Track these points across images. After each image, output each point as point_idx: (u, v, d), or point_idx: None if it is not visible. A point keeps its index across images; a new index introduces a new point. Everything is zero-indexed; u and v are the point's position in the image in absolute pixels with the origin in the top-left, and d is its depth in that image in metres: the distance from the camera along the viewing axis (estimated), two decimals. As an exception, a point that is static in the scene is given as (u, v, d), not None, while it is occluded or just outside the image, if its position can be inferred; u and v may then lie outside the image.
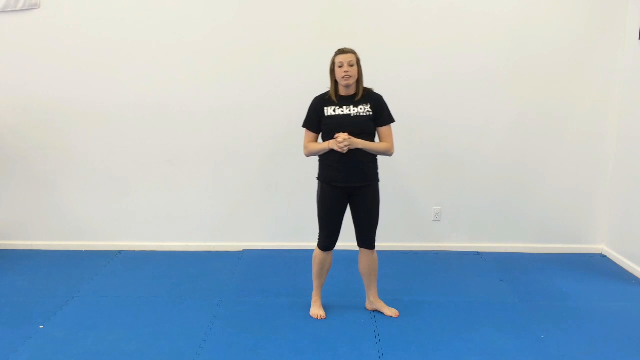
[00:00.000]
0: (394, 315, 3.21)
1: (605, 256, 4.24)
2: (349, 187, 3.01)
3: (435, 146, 4.14)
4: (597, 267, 4.03)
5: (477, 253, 4.27)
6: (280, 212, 4.22)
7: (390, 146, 3.05)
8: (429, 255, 4.22)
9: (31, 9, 3.93)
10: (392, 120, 3.07)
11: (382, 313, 3.24)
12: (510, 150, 4.15)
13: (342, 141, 2.87)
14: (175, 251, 4.29)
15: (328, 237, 3.09)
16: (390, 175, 4.17)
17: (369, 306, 3.29)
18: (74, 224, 4.31)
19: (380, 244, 4.19)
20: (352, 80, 2.94)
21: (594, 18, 3.93)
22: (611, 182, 4.14)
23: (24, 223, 4.33)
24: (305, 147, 3.10)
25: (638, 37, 3.80)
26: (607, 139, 4.11)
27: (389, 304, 3.33)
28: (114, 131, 4.13)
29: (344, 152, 2.89)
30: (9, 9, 3.93)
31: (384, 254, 4.16)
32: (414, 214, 4.27)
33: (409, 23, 3.95)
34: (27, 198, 4.28)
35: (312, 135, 3.07)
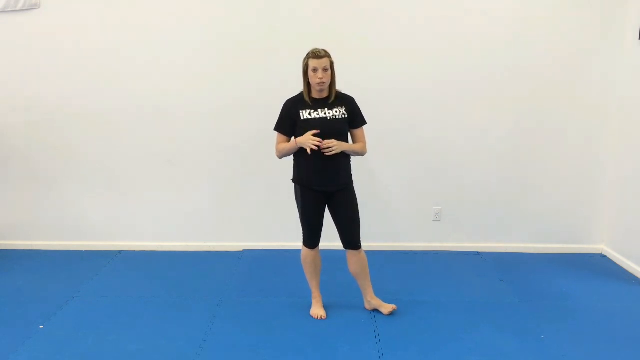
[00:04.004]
0: (391, 310, 3.21)
1: (605, 256, 4.24)
2: (326, 191, 3.03)
3: (436, 147, 4.14)
4: (597, 267, 4.03)
5: (477, 253, 4.27)
6: (280, 212, 4.22)
7: (365, 146, 3.09)
8: (429, 255, 4.22)
9: (31, 9, 3.93)
10: (365, 122, 3.10)
11: (381, 312, 3.24)
12: (510, 150, 4.15)
13: (330, 145, 2.86)
14: (175, 251, 4.29)
15: (314, 234, 3.11)
16: (390, 175, 4.18)
17: (367, 306, 3.29)
18: (74, 224, 4.31)
19: (381, 244, 4.23)
20: (327, 86, 2.93)
21: (594, 18, 3.92)
22: (611, 182, 4.14)
23: (24, 223, 4.33)
24: (276, 149, 3.08)
25: (638, 37, 3.80)
26: (607, 139, 4.10)
27: (389, 304, 3.34)
28: (114, 131, 4.13)
29: (318, 149, 2.85)
30: (9, 9, 3.93)
31: (383, 254, 4.18)
32: (414, 214, 4.27)
33: (407, 28, 3.94)
34: (27, 198, 4.28)
35: (283, 138, 3.06)
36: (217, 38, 3.98)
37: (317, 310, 3.23)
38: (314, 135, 2.89)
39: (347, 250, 3.15)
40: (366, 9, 3.92)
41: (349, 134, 3.08)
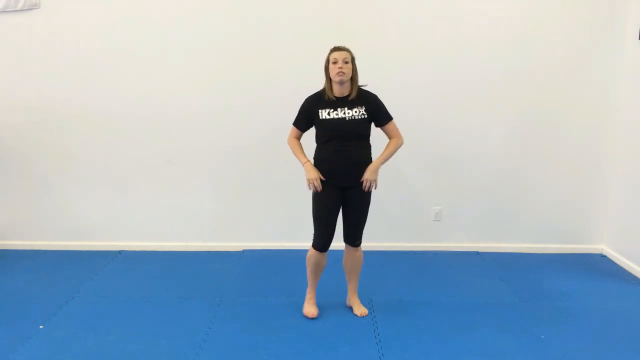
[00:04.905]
0: (362, 314, 3.22)
1: (605, 256, 4.24)
2: (343, 186, 3.03)
3: (436, 147, 4.14)
4: (597, 267, 4.03)
5: (477, 253, 4.27)
6: (280, 212, 4.22)
7: (400, 139, 3.09)
8: (429, 255, 4.22)
9: (31, 9, 3.93)
10: (391, 117, 3.09)
11: (354, 312, 3.26)
12: (510, 150, 4.15)
13: (369, 185, 2.99)
14: (175, 251, 4.29)
15: (324, 236, 3.08)
16: (390, 175, 4.17)
17: (347, 302, 3.33)
18: (74, 224, 4.31)
19: (381, 243, 4.23)
20: (346, 77, 2.91)
21: (594, 19, 3.92)
22: (611, 183, 4.14)
23: (24, 223, 4.33)
24: (289, 141, 3.11)
25: (638, 37, 3.80)
26: (607, 139, 4.11)
27: (389, 304, 3.35)
28: (114, 131, 4.13)
29: (311, 189, 3.02)
30: (9, 9, 3.93)
31: (383, 254, 4.19)
32: (414, 214, 4.27)
33: (408, 28, 3.94)
34: (27, 198, 4.28)
35: (298, 132, 3.09)
36: (217, 38, 3.98)
37: (310, 309, 3.22)
38: (315, 185, 2.98)
39: (346, 245, 3.17)
40: (366, 9, 3.92)
41: (382, 131, 3.09)
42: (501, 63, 3.99)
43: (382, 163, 3.02)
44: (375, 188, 3.03)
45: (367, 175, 2.98)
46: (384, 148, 3.07)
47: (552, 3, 3.91)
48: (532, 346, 2.91)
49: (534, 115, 4.08)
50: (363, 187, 2.99)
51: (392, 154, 3.06)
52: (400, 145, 3.09)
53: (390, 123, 3.07)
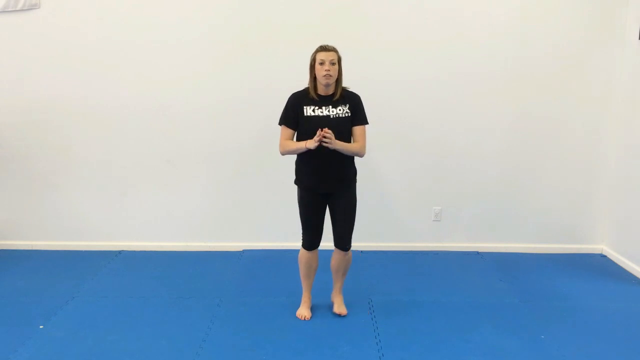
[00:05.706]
0: (341, 314, 3.20)
1: (605, 256, 4.24)
2: (327, 193, 3.01)
3: (436, 146, 4.14)
4: (597, 267, 4.03)
5: (477, 253, 4.27)
6: (280, 212, 4.22)
7: (363, 147, 2.98)
8: (429, 255, 4.22)
9: (31, 9, 3.93)
10: (366, 122, 3.02)
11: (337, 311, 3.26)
12: (510, 151, 4.15)
13: (328, 137, 2.75)
14: (175, 251, 4.29)
15: (311, 236, 3.09)
16: (390, 175, 4.18)
17: (331, 297, 3.32)
18: (74, 224, 4.30)
19: (381, 243, 4.23)
20: (333, 80, 2.88)
21: (594, 18, 3.93)
22: (611, 182, 4.14)
23: (24, 223, 4.32)
24: (281, 145, 2.99)
25: (638, 37, 3.80)
26: (606, 139, 4.11)
27: (389, 304, 3.35)
28: (114, 131, 4.13)
29: (323, 144, 2.77)
30: (9, 9, 3.93)
31: (384, 254, 4.18)
32: (414, 214, 4.27)
33: (408, 25, 3.95)
34: (27, 198, 4.27)
35: (288, 132, 2.99)
36: (217, 38, 3.98)
37: (303, 311, 3.22)
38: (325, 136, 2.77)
39: (336, 249, 3.16)
40: (366, 6, 3.92)
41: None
42: (501, 63, 3.99)
43: (341, 147, 2.85)
44: (327, 143, 2.79)
45: (333, 136, 2.79)
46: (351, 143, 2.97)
47: (552, 2, 3.91)
48: (532, 346, 2.91)
49: (534, 115, 4.08)
50: (322, 132, 2.77)
51: (350, 152, 2.93)
52: (360, 153, 2.97)
53: (362, 127, 3.00)
